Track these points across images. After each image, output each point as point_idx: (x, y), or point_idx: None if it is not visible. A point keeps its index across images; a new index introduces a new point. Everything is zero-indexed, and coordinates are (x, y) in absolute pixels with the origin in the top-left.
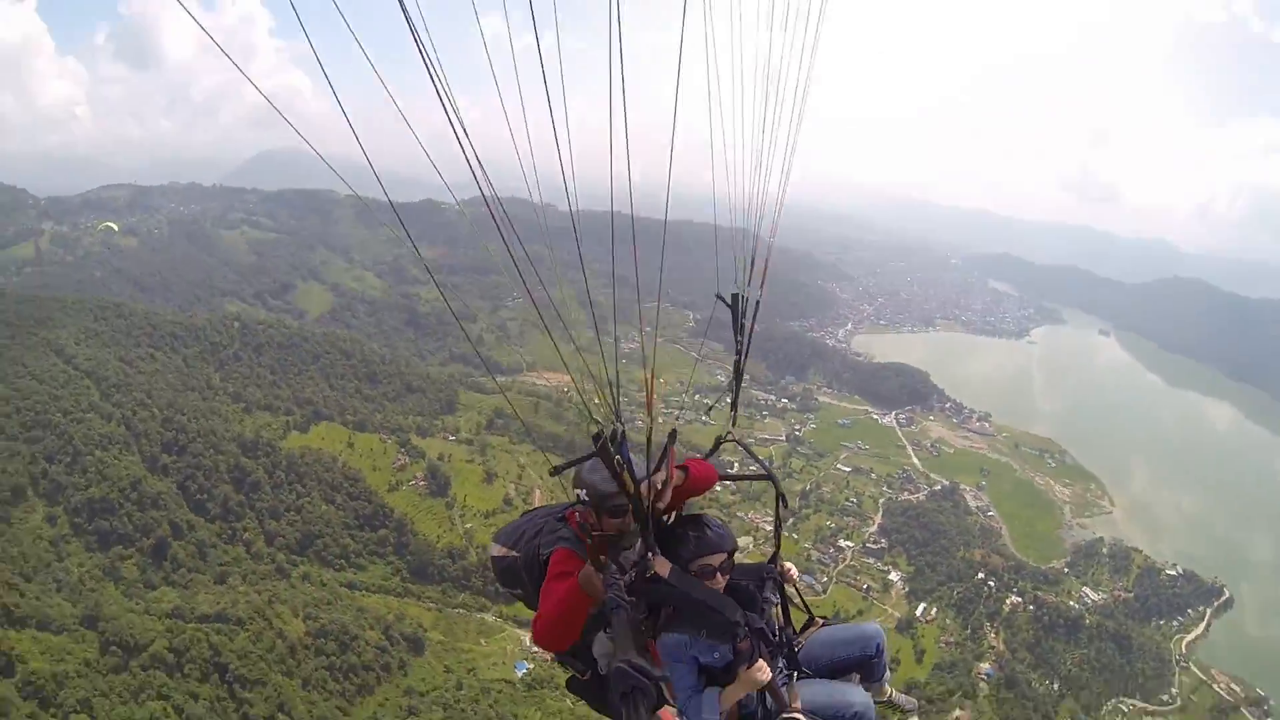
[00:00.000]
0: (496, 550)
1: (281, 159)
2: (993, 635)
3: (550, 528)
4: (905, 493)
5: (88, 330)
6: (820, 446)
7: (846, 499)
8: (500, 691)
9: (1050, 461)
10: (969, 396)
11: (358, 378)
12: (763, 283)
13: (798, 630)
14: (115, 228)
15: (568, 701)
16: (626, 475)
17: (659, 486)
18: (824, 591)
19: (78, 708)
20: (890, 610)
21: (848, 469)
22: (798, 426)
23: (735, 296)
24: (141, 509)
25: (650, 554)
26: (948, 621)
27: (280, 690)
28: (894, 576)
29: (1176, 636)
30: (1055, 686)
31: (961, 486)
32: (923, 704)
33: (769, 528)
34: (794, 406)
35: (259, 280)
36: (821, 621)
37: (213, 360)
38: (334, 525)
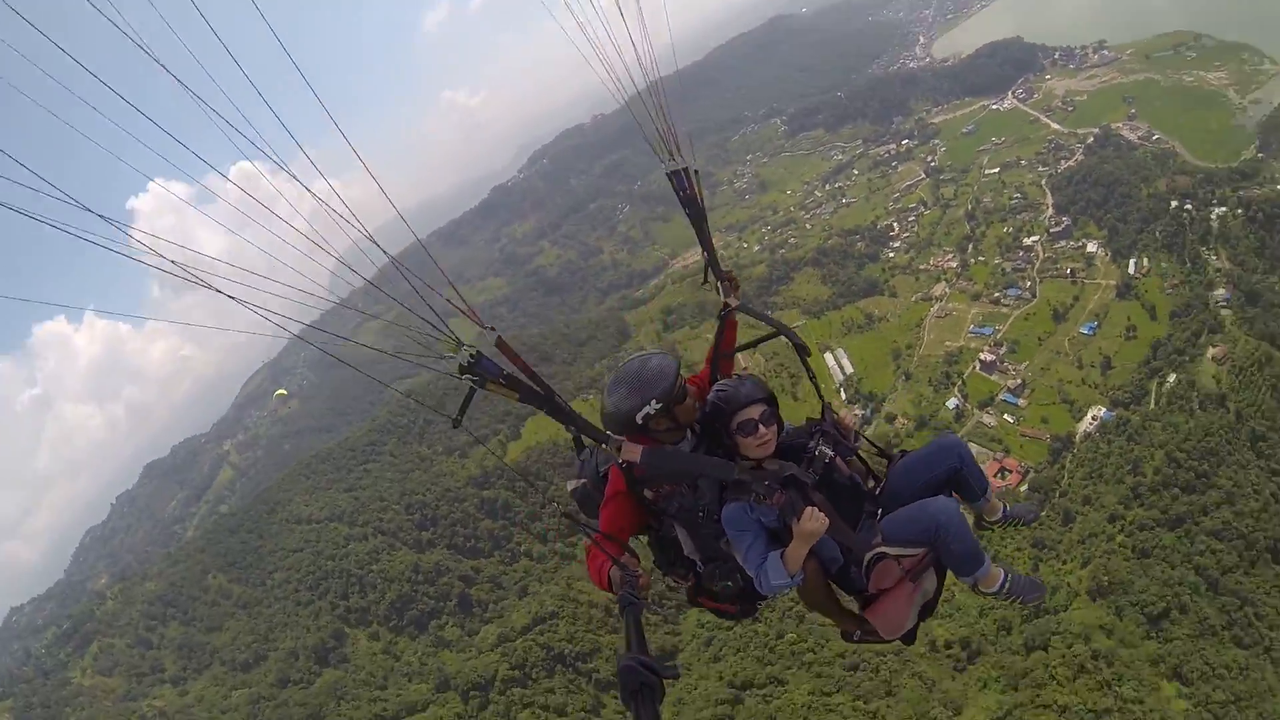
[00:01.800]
0: (571, 484)
1: None
2: (1214, 258)
3: (600, 459)
4: (1062, 162)
5: (308, 489)
6: (959, 163)
7: (1009, 198)
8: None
9: (1190, 53)
10: (1072, 35)
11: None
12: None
13: (881, 474)
14: (284, 392)
15: None
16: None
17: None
18: (1033, 298)
19: None
20: (1103, 282)
21: (995, 169)
22: (929, 159)
23: (676, 174)
24: (431, 583)
25: (613, 447)
26: (1163, 266)
27: (609, 646)
28: (1092, 248)
29: None
30: None
31: (1113, 126)
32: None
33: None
34: (916, 142)
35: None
36: (899, 454)
37: (410, 436)
38: None
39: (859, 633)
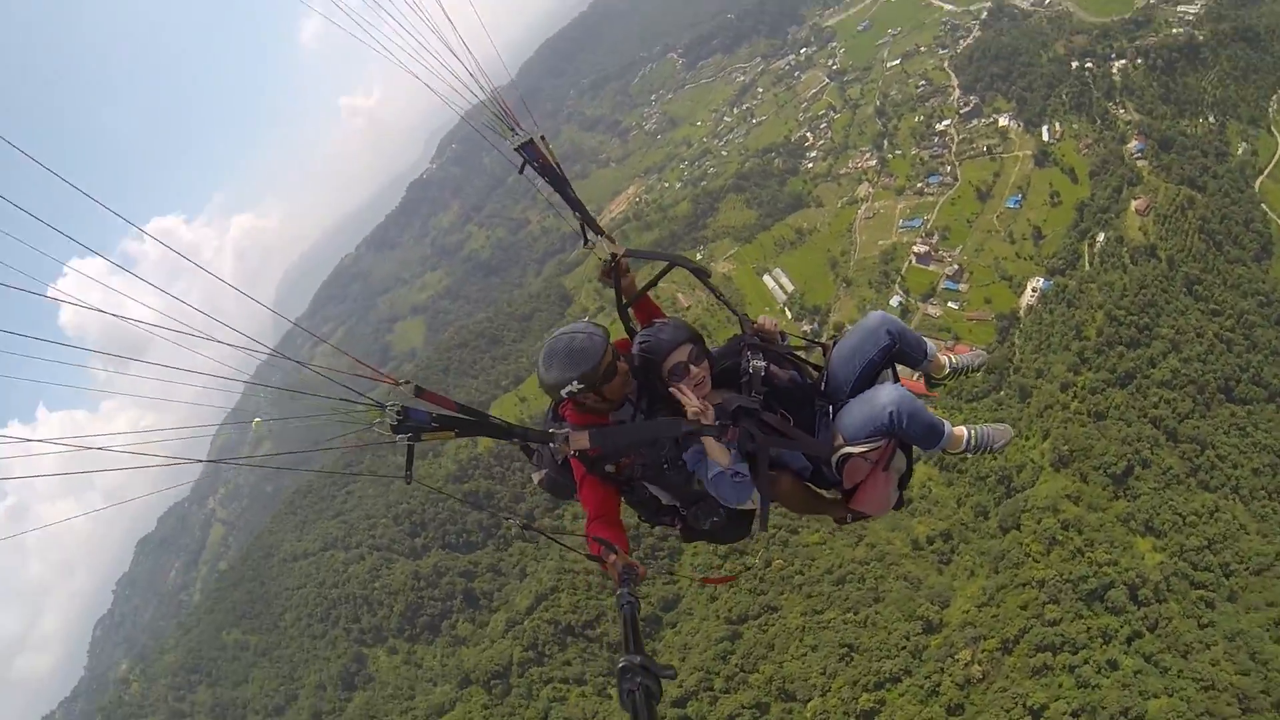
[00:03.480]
0: (536, 476)
1: None
2: (1122, 112)
3: (553, 429)
4: (960, 41)
5: (298, 525)
6: (861, 62)
7: (916, 87)
8: None
9: None
10: None
11: (480, 352)
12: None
13: (820, 366)
14: (260, 420)
15: None
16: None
17: (568, 447)
18: (956, 181)
19: None
20: (1020, 154)
21: (897, 61)
22: (831, 62)
23: (525, 147)
24: (434, 586)
25: (560, 442)
26: (1075, 128)
27: (612, 608)
28: (1004, 122)
29: None
30: (1210, 120)
31: None
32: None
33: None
34: (814, 49)
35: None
36: (832, 341)
37: (382, 449)
38: None
39: (850, 516)
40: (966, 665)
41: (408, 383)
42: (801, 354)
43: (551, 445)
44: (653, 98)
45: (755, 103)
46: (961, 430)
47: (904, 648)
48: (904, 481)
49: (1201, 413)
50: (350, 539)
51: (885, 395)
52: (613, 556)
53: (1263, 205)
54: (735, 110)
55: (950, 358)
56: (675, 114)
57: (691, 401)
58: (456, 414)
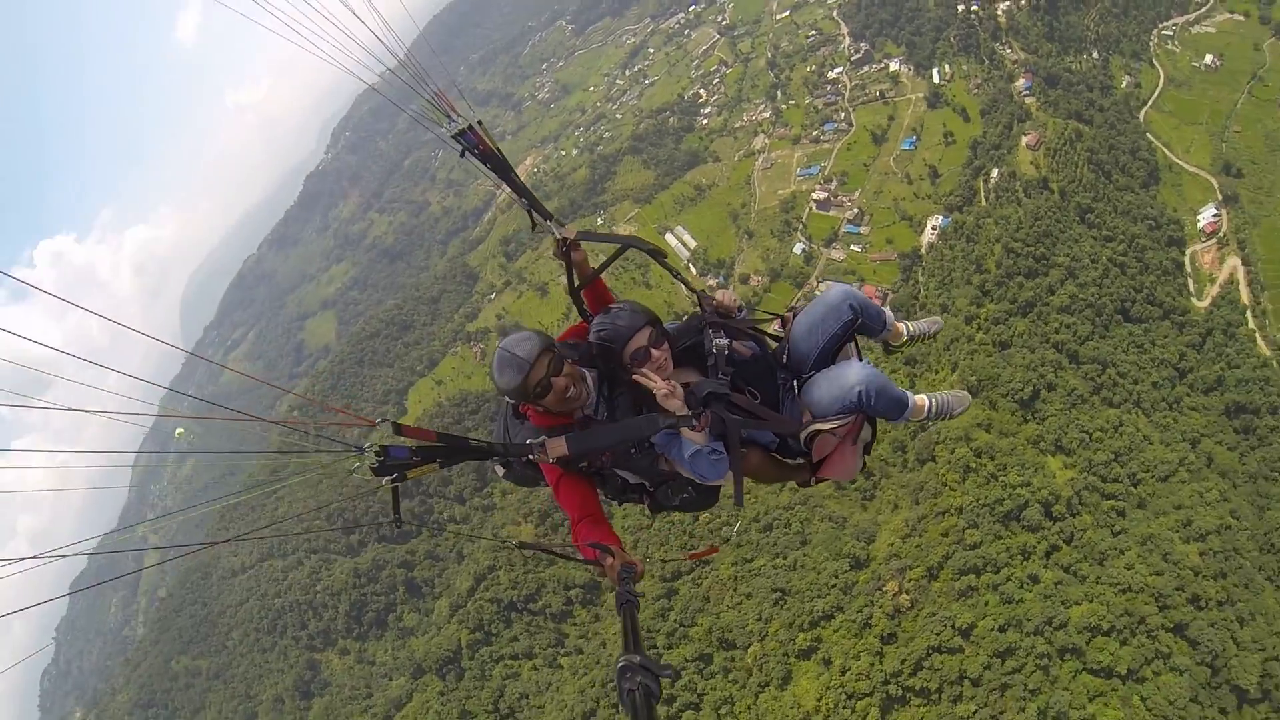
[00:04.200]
0: (499, 470)
1: None
2: (1009, 51)
3: (515, 428)
4: None
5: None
6: (750, 15)
7: (806, 37)
8: None
9: None
10: None
11: (392, 340)
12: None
13: (778, 337)
14: (183, 430)
15: None
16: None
17: (541, 454)
18: (850, 127)
19: None
20: (912, 97)
21: (786, 13)
22: (720, 18)
23: (463, 133)
24: (375, 580)
25: (537, 454)
26: (965, 69)
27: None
28: (895, 66)
29: None
30: (1094, 55)
31: None
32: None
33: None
34: (702, 5)
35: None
36: (790, 313)
37: (306, 449)
38: None
39: (814, 479)
40: (895, 596)
41: (384, 420)
42: (762, 329)
43: (525, 460)
44: (544, 66)
45: (647, 64)
46: (923, 399)
47: (834, 586)
48: (868, 449)
49: (1101, 334)
50: (285, 545)
51: (854, 374)
52: (610, 559)
53: (1148, 135)
54: (627, 73)
55: (908, 325)
56: (568, 81)
57: (657, 384)
58: (438, 444)
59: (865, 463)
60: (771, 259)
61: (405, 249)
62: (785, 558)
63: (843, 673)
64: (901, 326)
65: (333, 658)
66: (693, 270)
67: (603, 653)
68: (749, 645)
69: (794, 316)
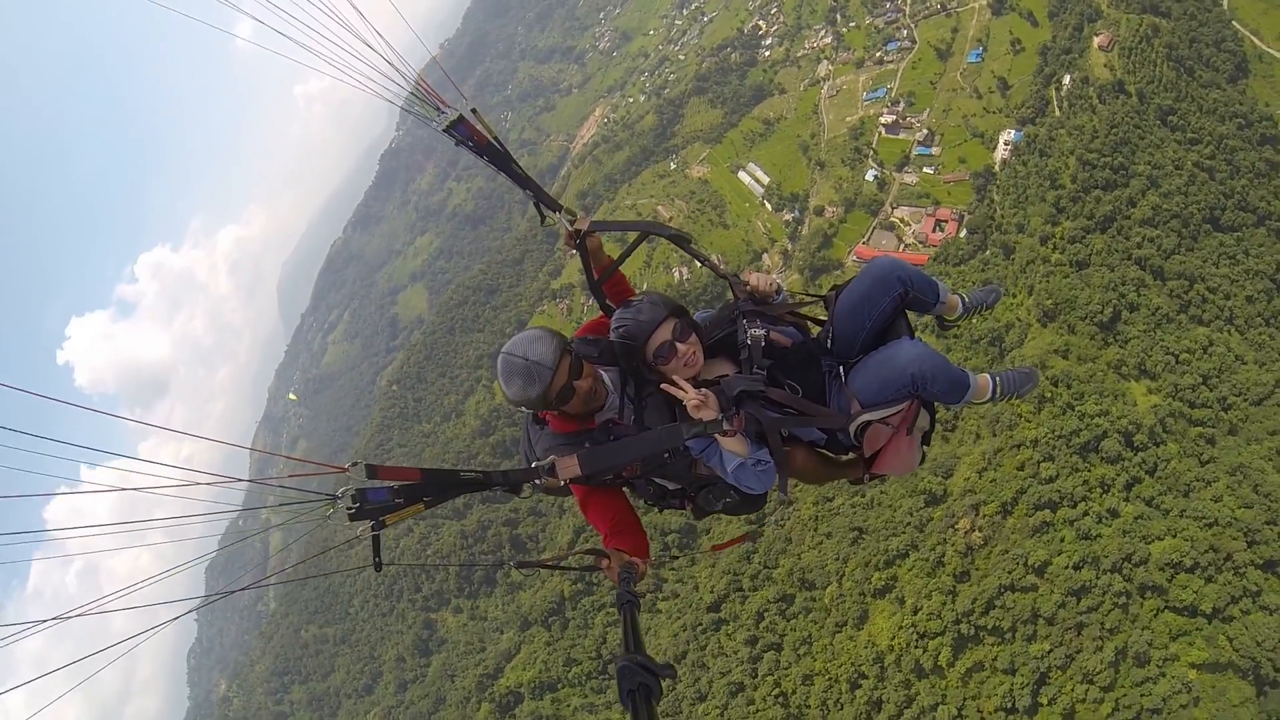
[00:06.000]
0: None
1: None
2: None
3: (536, 436)
4: None
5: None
6: None
7: None
8: None
9: None
10: None
11: (480, 305)
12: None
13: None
14: (295, 396)
15: None
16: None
17: (550, 482)
18: (914, 44)
19: None
20: (975, 5)
21: None
22: None
23: (457, 125)
24: (482, 540)
25: (546, 471)
26: None
27: (649, 525)
28: None
29: None
30: None
31: None
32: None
33: None
34: None
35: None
36: (833, 294)
37: (407, 419)
38: None
39: (868, 475)
40: (967, 534)
41: (355, 464)
42: (802, 313)
43: (536, 485)
44: (601, 16)
45: (703, 1)
46: (985, 379)
47: (909, 523)
48: (927, 438)
49: (1188, 246)
50: None
51: (905, 354)
52: (606, 561)
53: (1234, 23)
54: (684, 12)
55: (963, 296)
56: (626, 28)
57: (689, 395)
58: (421, 482)
59: (924, 454)
60: (844, 188)
61: (486, 213)
62: (864, 495)
63: (914, 612)
64: (955, 299)
65: (447, 616)
66: (768, 206)
67: (694, 596)
68: (828, 585)
69: (837, 296)
